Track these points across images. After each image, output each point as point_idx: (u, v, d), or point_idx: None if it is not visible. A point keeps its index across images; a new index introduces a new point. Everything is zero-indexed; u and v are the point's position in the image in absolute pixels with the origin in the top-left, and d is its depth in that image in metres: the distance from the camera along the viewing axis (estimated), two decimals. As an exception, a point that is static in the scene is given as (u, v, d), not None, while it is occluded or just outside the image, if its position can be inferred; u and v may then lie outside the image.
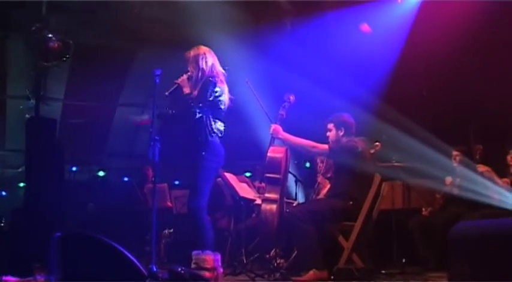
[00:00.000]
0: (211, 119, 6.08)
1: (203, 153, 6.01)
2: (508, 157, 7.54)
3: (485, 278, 2.87)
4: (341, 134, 6.86)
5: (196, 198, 5.98)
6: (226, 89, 6.22)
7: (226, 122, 6.28)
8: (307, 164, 10.51)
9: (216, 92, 6.08)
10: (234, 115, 6.54)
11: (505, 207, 6.78)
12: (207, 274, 5.24)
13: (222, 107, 6.15)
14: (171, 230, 9.72)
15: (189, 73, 6.17)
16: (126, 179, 13.49)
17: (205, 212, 5.94)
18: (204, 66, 6.16)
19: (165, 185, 9.87)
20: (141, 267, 4.62)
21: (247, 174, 10.88)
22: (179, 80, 6.06)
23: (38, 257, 6.07)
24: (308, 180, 9.27)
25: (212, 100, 6.06)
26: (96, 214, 12.02)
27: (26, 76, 10.82)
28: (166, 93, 5.99)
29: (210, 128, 6.05)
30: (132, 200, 10.64)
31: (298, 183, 8.87)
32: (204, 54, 6.23)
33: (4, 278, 5.31)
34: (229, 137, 6.30)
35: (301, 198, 8.91)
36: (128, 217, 10.74)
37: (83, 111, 12.29)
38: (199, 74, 6.13)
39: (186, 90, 6.10)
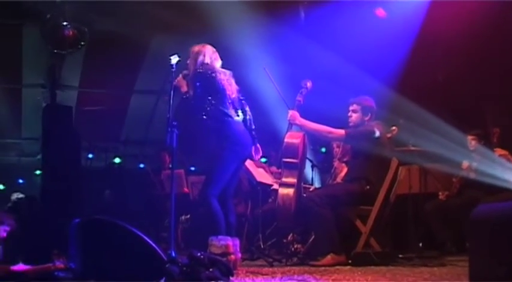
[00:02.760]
0: (221, 110, 6.08)
1: (223, 143, 6.04)
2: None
3: (505, 260, 2.86)
4: (366, 119, 6.86)
5: (208, 186, 6.02)
6: (230, 81, 6.20)
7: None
8: (323, 149, 10.48)
9: (215, 86, 6.08)
10: (252, 102, 6.54)
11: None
12: (224, 259, 5.24)
13: (228, 99, 6.15)
14: (188, 216, 9.74)
15: (185, 72, 6.18)
16: (142, 165, 13.51)
17: (216, 200, 5.95)
18: (202, 62, 6.14)
19: (182, 171, 9.87)
20: (161, 253, 4.65)
21: (263, 160, 10.87)
22: (175, 81, 6.00)
23: (56, 244, 6.09)
24: (324, 166, 9.28)
25: (213, 96, 6.08)
26: (113, 201, 12.07)
27: (41, 64, 10.86)
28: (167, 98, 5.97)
29: (222, 119, 6.07)
30: (148, 187, 10.67)
31: (315, 168, 8.87)
32: (206, 52, 6.21)
33: (14, 267, 5.31)
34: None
35: (317, 184, 8.91)
36: (145, 204, 10.80)
37: (98, 99, 12.30)
38: (195, 70, 6.12)
39: (183, 89, 6.11)
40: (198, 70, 6.08)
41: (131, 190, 11.34)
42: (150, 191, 10.55)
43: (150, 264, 4.53)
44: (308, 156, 8.19)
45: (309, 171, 8.56)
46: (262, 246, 7.68)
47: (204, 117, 6.11)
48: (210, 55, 6.20)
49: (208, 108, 6.08)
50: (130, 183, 11.48)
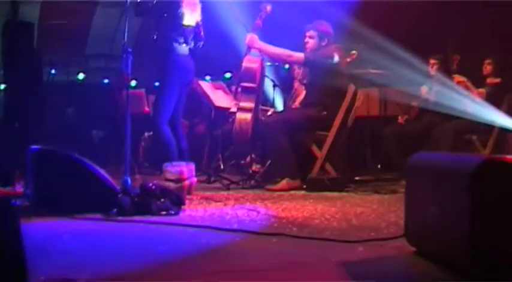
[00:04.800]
0: (174, 39, 6.06)
1: (166, 68, 6.04)
2: (484, 68, 7.54)
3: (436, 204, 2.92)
4: (323, 44, 6.86)
5: (156, 113, 6.09)
6: (194, 8, 6.14)
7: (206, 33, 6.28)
8: (286, 66, 10.44)
9: (179, 13, 6.03)
10: (214, 26, 6.48)
11: (479, 118, 6.83)
12: (179, 185, 5.30)
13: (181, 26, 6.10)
14: (151, 133, 9.75)
15: None
16: (106, 81, 13.37)
17: (166, 126, 6.00)
18: None
19: (143, 91, 9.85)
20: (113, 185, 4.69)
21: (227, 75, 10.81)
22: None
23: (18, 165, 6.12)
24: (286, 85, 9.26)
25: (172, 21, 6.03)
26: (76, 119, 12.00)
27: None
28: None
29: (171, 48, 6.05)
30: (112, 105, 10.61)
31: (276, 88, 8.86)
32: None
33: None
34: (207, 49, 6.31)
35: (278, 104, 8.92)
36: (108, 122, 10.76)
37: (62, 12, 12.06)
38: None
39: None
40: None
41: (95, 108, 11.25)
42: (113, 109, 10.49)
43: (102, 196, 4.59)
44: (270, 74, 8.19)
45: (270, 91, 8.55)
46: (221, 167, 7.76)
47: (154, 37, 6.11)
48: None
49: (160, 30, 6.07)
50: (94, 101, 11.37)
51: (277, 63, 8.95)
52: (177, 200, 4.77)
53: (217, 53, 8.64)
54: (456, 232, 2.61)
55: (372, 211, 4.91)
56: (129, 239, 3.77)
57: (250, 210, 4.89)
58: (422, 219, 3.00)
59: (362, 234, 3.73)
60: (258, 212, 4.76)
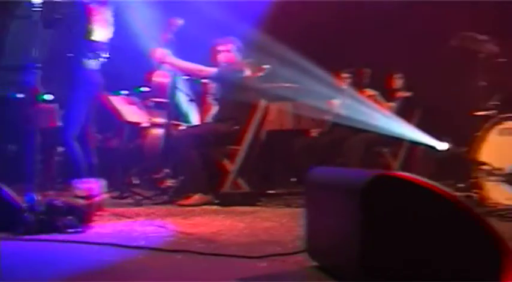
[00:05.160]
0: (82, 54, 5.98)
1: (72, 84, 5.97)
2: (394, 82, 7.69)
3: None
4: (233, 59, 6.89)
5: (64, 128, 6.00)
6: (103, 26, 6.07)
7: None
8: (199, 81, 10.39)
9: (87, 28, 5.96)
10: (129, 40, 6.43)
11: (389, 132, 6.96)
12: (86, 203, 5.24)
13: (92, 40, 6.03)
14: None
15: None
16: (19, 94, 13.04)
17: (73, 142, 5.91)
18: None
19: (54, 105, 9.66)
20: (17, 202, 4.59)
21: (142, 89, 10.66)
22: None
23: None
24: (199, 99, 9.22)
25: (79, 36, 5.95)
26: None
27: None
28: None
29: (78, 63, 5.97)
30: (22, 118, 10.36)
31: (192, 102, 8.80)
32: None
33: None
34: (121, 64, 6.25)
35: (192, 118, 8.87)
36: (21, 136, 10.51)
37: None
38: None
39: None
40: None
41: (8, 121, 10.97)
42: (25, 123, 10.24)
43: (6, 215, 4.49)
44: (185, 88, 8.16)
45: (184, 105, 8.49)
46: (133, 182, 7.68)
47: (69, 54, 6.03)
48: None
49: (67, 44, 5.99)
50: (8, 114, 11.08)
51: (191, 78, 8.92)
52: (84, 217, 4.70)
53: (133, 68, 8.55)
54: (349, 248, 2.62)
55: (280, 225, 4.95)
56: (32, 257, 3.70)
57: (159, 226, 4.87)
58: (320, 234, 3.04)
59: (268, 249, 3.74)
60: (167, 228, 4.75)
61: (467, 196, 6.06)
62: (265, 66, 7.18)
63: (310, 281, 3.10)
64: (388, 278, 2.48)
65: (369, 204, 2.50)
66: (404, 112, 7.27)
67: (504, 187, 5.84)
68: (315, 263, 3.22)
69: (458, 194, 6.09)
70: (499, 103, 6.24)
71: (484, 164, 6.01)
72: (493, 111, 6.20)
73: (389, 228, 2.53)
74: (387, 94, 7.67)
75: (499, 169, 5.89)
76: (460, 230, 2.57)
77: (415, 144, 7.17)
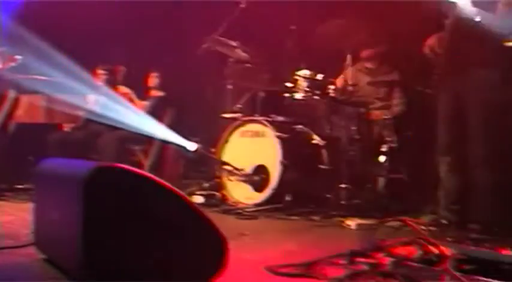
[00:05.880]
0: None
1: None
2: (149, 80, 7.78)
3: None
4: None
5: None
6: None
7: None
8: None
9: None
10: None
11: (141, 130, 7.02)
12: None
13: None
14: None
15: None
16: None
17: None
18: None
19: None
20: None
21: None
22: None
23: None
24: None
25: None
26: None
27: None
28: None
29: None
30: None
31: None
32: None
33: None
34: None
35: None
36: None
37: None
38: None
39: None
40: None
41: None
42: None
43: None
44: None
45: None
46: None
47: None
48: None
49: None
50: None
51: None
52: None
53: None
54: (71, 241, 2.60)
55: (21, 220, 4.83)
56: None
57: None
58: (47, 226, 3.02)
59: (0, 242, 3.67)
60: None
61: (211, 195, 6.31)
62: (17, 57, 6.95)
63: (33, 273, 3.07)
64: (108, 271, 2.50)
65: (90, 195, 2.48)
66: (157, 111, 7.39)
67: (244, 186, 6.14)
68: (44, 256, 3.20)
69: (203, 192, 6.42)
70: (241, 106, 6.57)
71: (226, 164, 6.29)
72: (238, 114, 6.52)
73: (112, 220, 2.54)
74: (142, 92, 7.74)
75: (240, 169, 6.19)
76: (184, 225, 2.65)
77: (166, 143, 7.29)
